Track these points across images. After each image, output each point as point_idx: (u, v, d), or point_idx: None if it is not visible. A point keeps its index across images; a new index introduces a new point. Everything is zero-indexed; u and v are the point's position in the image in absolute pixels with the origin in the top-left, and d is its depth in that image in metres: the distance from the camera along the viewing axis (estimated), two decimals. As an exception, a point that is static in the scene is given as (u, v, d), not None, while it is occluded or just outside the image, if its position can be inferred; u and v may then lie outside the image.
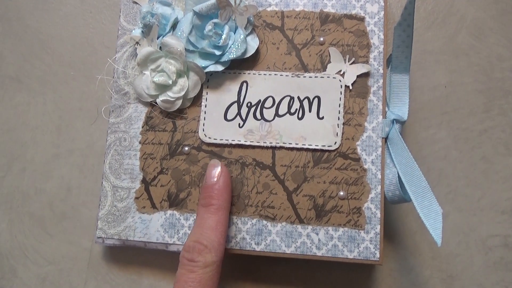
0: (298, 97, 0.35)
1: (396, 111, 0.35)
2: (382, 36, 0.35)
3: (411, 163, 0.32)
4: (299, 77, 0.35)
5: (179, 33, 0.35)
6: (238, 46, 0.34)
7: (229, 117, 0.35)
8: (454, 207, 0.37)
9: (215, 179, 0.32)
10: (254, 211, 0.34)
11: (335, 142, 0.34)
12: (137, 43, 0.36)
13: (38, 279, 0.38)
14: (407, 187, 0.32)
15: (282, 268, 0.37)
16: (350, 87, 0.34)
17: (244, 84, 0.35)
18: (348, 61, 0.35)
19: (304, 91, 0.35)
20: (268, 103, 0.35)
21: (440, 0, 0.40)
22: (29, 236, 0.39)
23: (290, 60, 0.35)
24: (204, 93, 0.35)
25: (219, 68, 0.34)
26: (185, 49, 0.35)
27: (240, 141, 0.34)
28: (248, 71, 0.35)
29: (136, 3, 0.37)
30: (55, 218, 0.39)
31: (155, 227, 0.34)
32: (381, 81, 0.34)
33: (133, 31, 0.36)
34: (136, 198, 0.35)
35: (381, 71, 0.34)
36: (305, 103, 0.34)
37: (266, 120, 0.35)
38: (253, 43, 0.35)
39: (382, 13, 0.35)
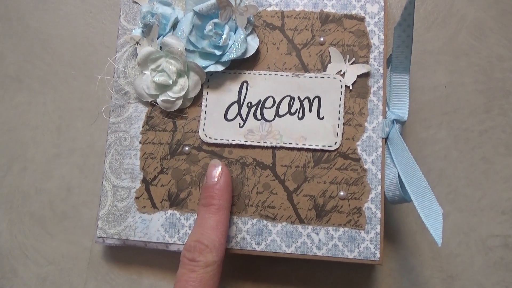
0: (299, 97, 0.35)
1: (396, 111, 0.35)
2: (382, 36, 0.35)
3: (411, 163, 0.33)
4: (299, 77, 0.35)
5: (180, 33, 0.35)
6: (238, 46, 0.34)
7: (229, 117, 0.35)
8: (454, 207, 0.37)
9: (216, 179, 0.32)
10: (254, 211, 0.34)
11: (336, 142, 0.34)
12: (137, 43, 0.36)
13: (38, 279, 0.38)
14: (408, 187, 0.32)
15: (283, 268, 0.37)
16: (350, 87, 0.34)
17: (245, 84, 0.35)
18: (348, 61, 0.35)
19: (305, 91, 0.35)
20: (269, 103, 0.35)
21: (440, 0, 0.40)
22: (29, 236, 0.39)
23: (290, 60, 0.35)
24: (204, 93, 0.35)
25: (220, 68, 0.34)
26: (186, 49, 0.35)
27: (240, 141, 0.34)
28: (249, 71, 0.35)
29: (136, 3, 0.37)
30: (56, 218, 0.39)
31: (156, 227, 0.34)
32: (381, 81, 0.34)
33: (133, 31, 0.36)
34: (137, 197, 0.35)
35: (381, 71, 0.34)
36: (305, 103, 0.35)
37: (266, 120, 0.35)
38: (253, 43, 0.35)
39: (382, 13, 0.35)
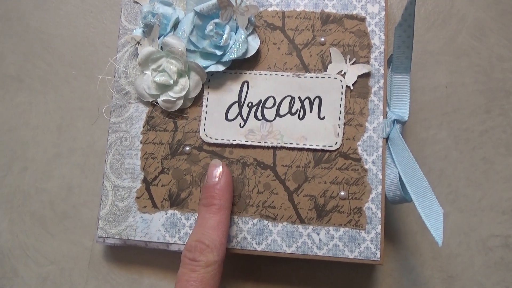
0: (299, 97, 0.35)
1: (397, 111, 0.35)
2: (383, 37, 0.35)
3: (412, 164, 0.33)
4: (300, 77, 0.35)
5: (180, 33, 0.35)
6: (239, 46, 0.34)
7: (230, 117, 0.35)
8: (454, 207, 0.38)
9: (217, 179, 0.32)
10: (255, 211, 0.34)
11: (336, 142, 0.34)
12: (138, 42, 0.36)
13: (39, 279, 0.38)
14: (408, 187, 0.32)
15: (283, 268, 0.37)
16: (351, 88, 0.34)
17: (245, 84, 0.35)
18: (349, 62, 0.35)
19: (305, 91, 0.35)
20: (269, 103, 0.35)
21: (440, 1, 0.40)
22: (30, 235, 0.39)
23: (291, 60, 0.35)
24: (205, 93, 0.35)
25: (220, 68, 0.35)
26: (186, 49, 0.35)
27: (241, 141, 0.34)
28: (249, 71, 0.35)
29: (137, 2, 0.37)
30: (56, 218, 0.39)
31: (156, 227, 0.34)
32: (382, 81, 0.34)
33: (134, 30, 0.36)
34: (137, 197, 0.35)
35: (382, 71, 0.35)
36: (306, 103, 0.35)
37: (267, 120, 0.35)
38: (254, 43, 0.35)
39: (383, 13, 0.35)
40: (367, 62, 0.35)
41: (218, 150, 0.35)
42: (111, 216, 0.35)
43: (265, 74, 0.35)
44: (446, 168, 0.38)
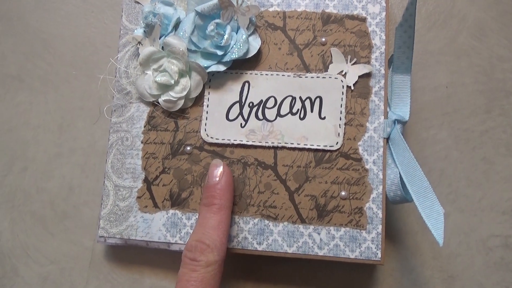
0: (300, 97, 0.35)
1: (397, 111, 0.35)
2: (383, 37, 0.35)
3: (412, 163, 0.33)
4: (301, 77, 0.35)
5: (181, 33, 0.35)
6: (240, 46, 0.34)
7: (231, 117, 0.35)
8: (455, 207, 0.38)
9: (217, 179, 0.32)
10: (256, 210, 0.34)
11: (337, 142, 0.34)
12: (139, 42, 0.36)
13: (39, 278, 0.38)
14: (409, 187, 0.32)
15: (284, 268, 0.37)
16: (352, 88, 0.34)
17: (246, 84, 0.35)
18: (350, 62, 0.35)
19: (306, 91, 0.35)
20: (270, 103, 0.35)
21: (441, 1, 0.41)
22: (30, 235, 0.39)
23: (292, 61, 0.35)
24: (206, 93, 0.35)
25: (221, 68, 0.35)
26: (187, 49, 0.35)
27: (242, 141, 0.35)
28: (250, 71, 0.35)
29: (138, 3, 0.37)
30: (57, 217, 0.39)
31: (157, 227, 0.34)
32: (382, 81, 0.34)
33: (135, 30, 0.36)
34: (138, 197, 0.35)
35: (383, 71, 0.35)
36: (307, 103, 0.35)
37: (268, 120, 0.35)
38: (255, 43, 0.35)
39: (384, 13, 0.35)
40: (368, 62, 0.35)
41: (219, 150, 0.35)
42: (112, 215, 0.35)
43: (266, 74, 0.35)
44: (447, 168, 0.38)
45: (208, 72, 0.35)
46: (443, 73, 0.39)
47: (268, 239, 0.33)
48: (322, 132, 0.34)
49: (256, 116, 0.35)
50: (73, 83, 0.41)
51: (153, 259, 0.38)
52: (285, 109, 0.35)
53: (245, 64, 0.35)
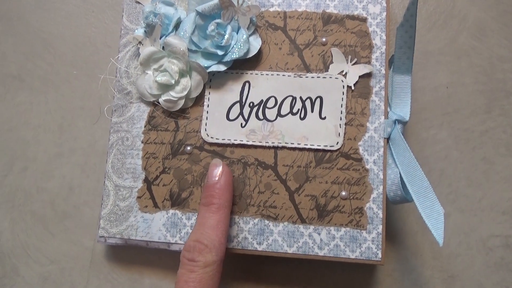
0: (300, 97, 0.35)
1: (398, 111, 0.35)
2: (384, 37, 0.35)
3: (413, 164, 0.33)
4: (301, 77, 0.35)
5: (182, 33, 0.35)
6: (240, 46, 0.34)
7: (231, 117, 0.35)
8: (455, 207, 0.38)
9: (217, 179, 0.32)
10: (256, 210, 0.34)
11: (337, 142, 0.34)
12: (139, 42, 0.36)
13: (40, 278, 0.38)
14: (409, 187, 0.32)
15: (284, 268, 0.37)
16: (352, 88, 0.34)
17: (247, 84, 0.35)
18: (350, 62, 0.35)
19: (306, 91, 0.35)
20: (271, 103, 0.35)
21: (441, 1, 0.41)
22: (31, 235, 0.39)
23: (293, 61, 0.35)
24: (206, 93, 0.35)
25: (222, 68, 0.35)
26: (188, 49, 0.35)
27: (242, 141, 0.35)
28: (251, 71, 0.35)
29: (138, 2, 0.37)
30: (57, 217, 0.39)
31: (157, 227, 0.34)
32: (383, 81, 0.34)
33: (136, 30, 0.36)
34: (138, 197, 0.35)
35: (383, 71, 0.35)
36: (307, 103, 0.35)
37: (268, 120, 0.35)
38: (255, 43, 0.35)
39: (384, 14, 0.35)
40: (368, 63, 0.35)
41: (219, 150, 0.35)
42: (112, 215, 0.35)
43: (267, 74, 0.35)
44: (447, 168, 0.38)
45: (209, 72, 0.35)
46: (443, 73, 0.39)
47: (268, 239, 0.33)
48: (323, 132, 0.34)
49: (257, 116, 0.35)
50: (74, 83, 0.41)
51: (153, 259, 0.38)
52: (285, 109, 0.35)
53: (245, 64, 0.35)
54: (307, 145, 0.34)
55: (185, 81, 0.35)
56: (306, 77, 0.35)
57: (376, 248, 0.32)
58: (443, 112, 0.39)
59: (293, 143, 0.34)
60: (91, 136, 0.40)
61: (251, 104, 0.35)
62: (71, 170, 0.40)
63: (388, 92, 0.35)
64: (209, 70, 0.35)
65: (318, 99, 0.35)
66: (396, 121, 0.34)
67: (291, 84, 0.35)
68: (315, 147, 0.34)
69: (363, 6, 0.35)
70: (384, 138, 0.34)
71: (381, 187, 0.33)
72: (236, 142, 0.35)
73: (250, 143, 0.34)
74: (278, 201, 0.34)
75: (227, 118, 0.35)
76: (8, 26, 0.43)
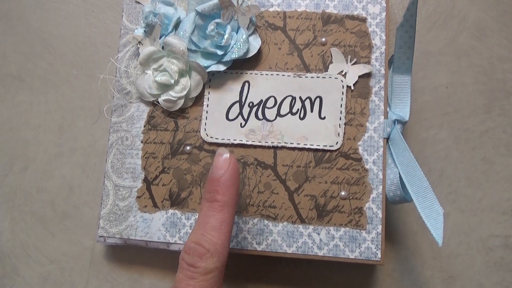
0: (300, 97, 0.35)
1: (397, 111, 0.35)
2: (384, 37, 0.35)
3: (412, 164, 0.33)
4: (301, 77, 0.35)
5: (182, 33, 0.35)
6: (240, 46, 0.34)
7: (231, 116, 0.35)
8: (455, 207, 0.38)
9: (223, 171, 0.28)
10: (255, 210, 0.34)
11: (337, 142, 0.34)
12: (139, 42, 0.36)
13: (40, 278, 0.38)
14: (409, 187, 0.32)
15: (283, 268, 0.37)
16: (352, 88, 0.34)
17: (246, 84, 0.35)
18: (350, 62, 0.35)
19: (306, 91, 0.35)
20: (270, 103, 0.35)
21: (441, 1, 0.41)
22: (31, 235, 0.39)
23: (292, 61, 0.35)
24: (206, 92, 0.35)
25: (221, 68, 0.35)
26: (188, 48, 0.35)
27: (241, 140, 0.35)
28: (250, 71, 0.35)
29: (138, 2, 0.37)
30: (57, 217, 0.39)
31: (157, 226, 0.34)
32: (382, 81, 0.34)
33: (136, 30, 0.36)
34: (138, 197, 0.35)
35: (383, 71, 0.35)
36: (307, 103, 0.35)
37: (268, 120, 0.35)
38: (255, 43, 0.35)
39: (384, 14, 0.35)
40: (368, 63, 0.35)
41: (219, 149, 0.35)
42: (111, 215, 0.35)
43: (266, 74, 0.35)
44: (446, 168, 0.38)
45: (208, 72, 0.35)
46: (443, 73, 0.39)
47: (268, 239, 0.33)
48: (322, 132, 0.34)
49: (256, 116, 0.35)
50: (74, 82, 0.42)
51: (153, 259, 0.38)
52: (285, 109, 0.35)
53: (245, 64, 0.35)
54: (306, 145, 0.34)
55: (185, 81, 0.35)
56: (305, 77, 0.35)
57: (375, 248, 0.32)
58: (443, 112, 0.39)
59: (292, 143, 0.34)
60: (91, 136, 0.40)
61: (250, 104, 0.35)
62: (71, 170, 0.40)
63: (387, 92, 0.35)
64: (209, 70, 0.35)
65: (318, 99, 0.35)
66: (396, 121, 0.34)
67: (291, 84, 0.35)
68: (315, 147, 0.34)
69: (363, 6, 0.35)
70: (384, 138, 0.34)
71: (381, 187, 0.33)
72: (235, 142, 0.35)
73: (249, 143, 0.34)
74: (278, 201, 0.34)
75: (227, 118, 0.35)
76: (8, 26, 0.43)
